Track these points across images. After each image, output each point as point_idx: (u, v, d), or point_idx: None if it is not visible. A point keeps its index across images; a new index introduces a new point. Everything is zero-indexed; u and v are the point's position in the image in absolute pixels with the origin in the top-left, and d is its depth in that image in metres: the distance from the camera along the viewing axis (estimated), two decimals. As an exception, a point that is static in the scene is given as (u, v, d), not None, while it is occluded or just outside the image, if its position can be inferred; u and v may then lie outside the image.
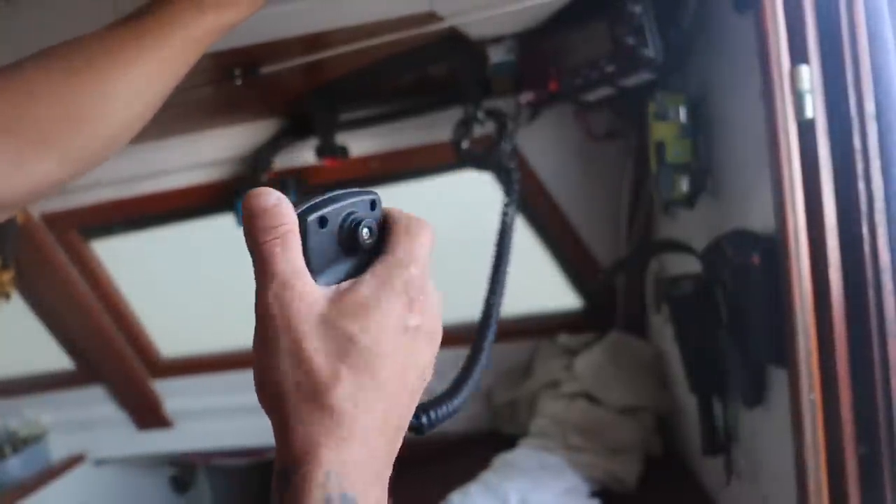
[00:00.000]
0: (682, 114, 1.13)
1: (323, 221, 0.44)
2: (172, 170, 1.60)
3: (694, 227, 1.23)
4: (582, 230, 1.62)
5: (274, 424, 0.40)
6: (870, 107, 0.78)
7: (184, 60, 0.64)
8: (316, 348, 0.40)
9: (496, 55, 1.27)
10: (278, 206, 0.42)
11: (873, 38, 0.77)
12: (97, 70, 0.57)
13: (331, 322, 0.41)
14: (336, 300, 0.41)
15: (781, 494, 0.92)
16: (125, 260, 1.86)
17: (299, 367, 0.40)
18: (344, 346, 0.40)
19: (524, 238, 1.66)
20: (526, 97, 1.31)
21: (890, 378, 0.76)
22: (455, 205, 1.76)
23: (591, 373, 1.55)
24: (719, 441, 1.12)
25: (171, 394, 1.98)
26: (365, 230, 0.44)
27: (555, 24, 1.18)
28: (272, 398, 0.41)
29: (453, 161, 1.36)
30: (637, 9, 1.04)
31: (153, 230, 1.79)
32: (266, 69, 1.13)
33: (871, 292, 0.77)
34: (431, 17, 1.04)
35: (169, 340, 1.96)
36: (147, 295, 1.92)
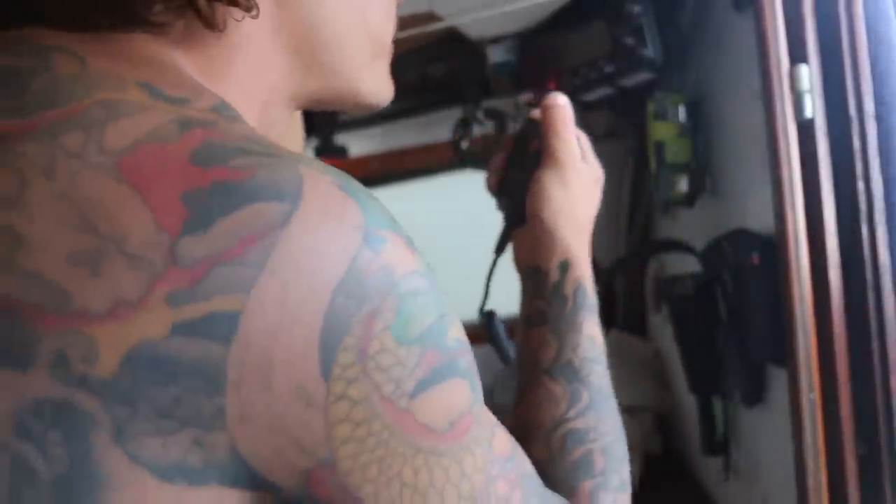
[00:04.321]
0: (682, 114, 1.13)
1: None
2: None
3: (693, 227, 1.23)
4: (581, 230, 1.62)
5: (570, 240, 0.64)
6: (870, 107, 0.78)
7: None
8: (582, 196, 0.68)
9: (496, 55, 1.27)
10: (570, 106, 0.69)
11: (873, 37, 0.77)
12: None
13: (588, 184, 0.69)
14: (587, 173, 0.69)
15: (781, 494, 0.92)
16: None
17: (578, 205, 0.67)
18: (589, 197, 0.69)
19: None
20: (526, 97, 1.31)
21: (890, 378, 0.76)
22: (455, 205, 1.76)
23: (590, 372, 1.54)
24: (719, 440, 1.12)
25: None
26: None
27: (554, 24, 1.18)
28: (585, 226, 0.67)
29: (453, 161, 1.36)
30: (636, 9, 1.04)
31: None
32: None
33: (870, 292, 0.77)
34: (431, 17, 1.04)
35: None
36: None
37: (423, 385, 0.36)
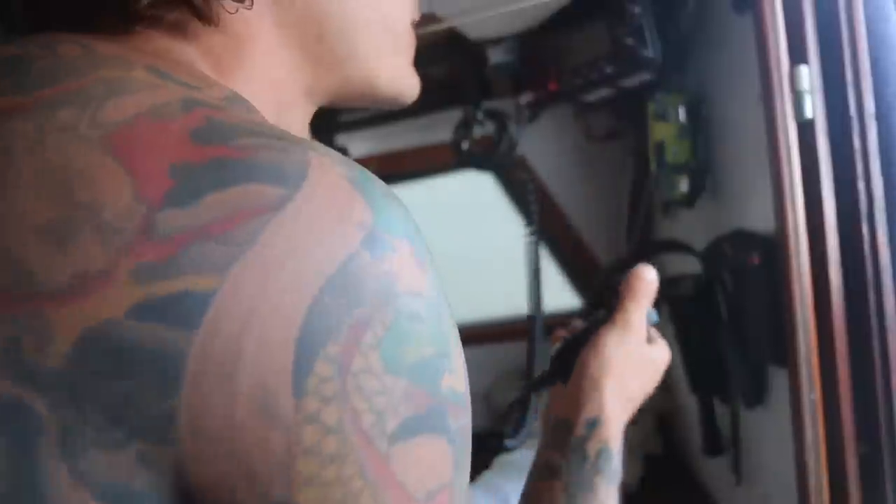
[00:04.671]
0: (682, 114, 1.13)
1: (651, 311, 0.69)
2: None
3: (694, 228, 1.23)
4: (582, 230, 1.62)
5: (618, 407, 0.62)
6: (870, 107, 0.78)
7: None
8: (635, 367, 0.65)
9: (496, 56, 1.27)
10: (655, 284, 0.67)
11: (873, 37, 0.77)
12: None
13: (644, 360, 0.66)
14: (649, 351, 0.67)
15: (782, 494, 0.92)
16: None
17: (628, 371, 0.63)
18: (641, 374, 0.65)
19: (523, 238, 1.65)
20: (526, 98, 1.31)
21: (890, 377, 0.76)
22: (455, 206, 1.76)
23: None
24: (720, 441, 1.12)
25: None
26: None
27: (554, 24, 1.18)
28: (631, 398, 0.64)
29: (453, 162, 1.36)
30: (636, 9, 1.04)
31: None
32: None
33: (871, 292, 0.77)
34: (431, 18, 1.04)
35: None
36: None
37: (407, 430, 0.31)
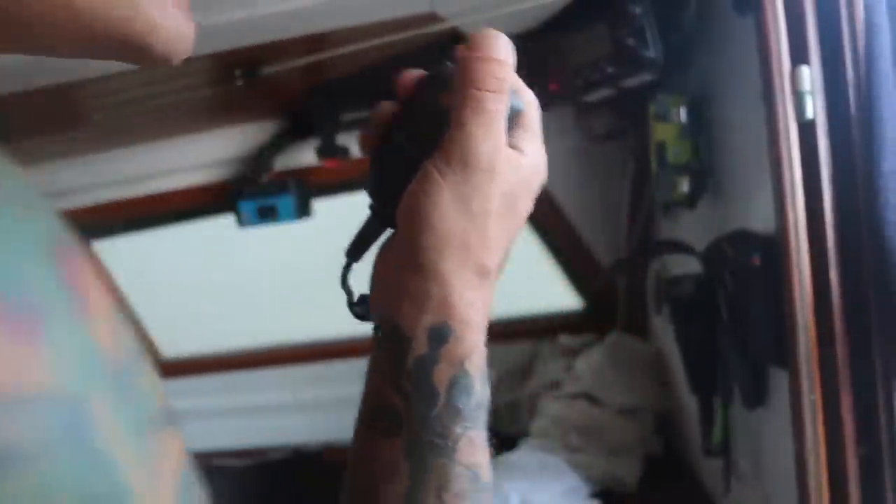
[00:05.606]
0: (683, 114, 1.13)
1: (511, 96, 0.44)
2: (172, 170, 1.60)
3: (694, 228, 1.23)
4: (582, 230, 1.62)
5: (440, 277, 0.40)
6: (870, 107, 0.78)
7: None
8: (496, 218, 0.41)
9: (496, 56, 1.27)
10: (511, 59, 0.42)
11: (873, 36, 0.77)
12: None
13: (511, 195, 0.41)
14: (517, 175, 0.42)
15: (782, 494, 0.92)
16: (125, 260, 1.86)
17: (485, 233, 0.41)
18: (510, 218, 0.42)
19: (524, 238, 1.66)
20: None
21: (890, 378, 0.76)
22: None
23: (591, 373, 1.55)
24: (720, 442, 1.12)
25: (173, 395, 1.97)
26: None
27: (555, 25, 1.18)
28: (493, 265, 0.41)
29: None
30: (637, 10, 1.04)
31: (153, 230, 1.79)
32: (266, 69, 1.13)
33: (871, 292, 0.77)
34: (432, 17, 1.04)
35: (170, 341, 1.96)
36: (148, 296, 1.92)
37: None
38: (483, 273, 0.40)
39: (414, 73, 0.45)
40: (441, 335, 0.39)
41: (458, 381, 0.39)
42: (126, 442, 0.21)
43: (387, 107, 0.45)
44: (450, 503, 0.38)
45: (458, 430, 0.38)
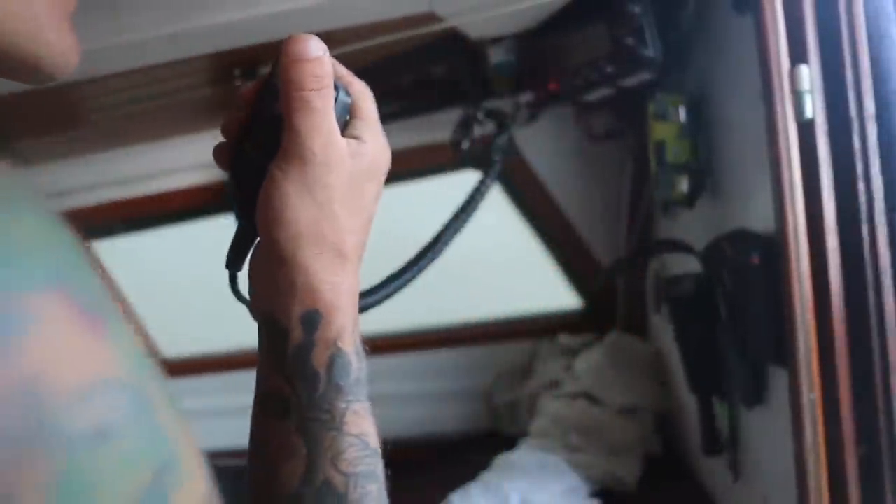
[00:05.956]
0: (682, 114, 1.13)
1: (338, 90, 0.46)
2: (172, 170, 1.60)
3: (694, 227, 1.23)
4: (582, 230, 1.62)
5: (298, 269, 0.43)
6: (870, 107, 0.78)
7: None
8: (343, 204, 0.44)
9: (496, 55, 1.27)
10: (325, 56, 0.44)
11: (874, 36, 0.77)
12: None
13: (354, 181, 0.45)
14: (356, 162, 0.45)
15: (782, 494, 0.92)
16: (126, 260, 1.86)
17: (335, 220, 0.44)
18: (358, 203, 0.45)
19: (524, 238, 1.66)
20: (526, 98, 1.31)
21: (890, 378, 0.76)
22: (454, 206, 1.76)
23: (591, 373, 1.55)
24: (719, 441, 1.12)
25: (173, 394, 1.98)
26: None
27: (555, 24, 1.18)
28: (351, 248, 0.45)
29: (453, 162, 1.36)
30: (636, 9, 1.04)
31: (153, 230, 1.79)
32: (266, 69, 1.13)
33: (871, 292, 0.77)
34: (431, 17, 1.04)
35: (169, 341, 1.96)
36: (148, 296, 1.92)
37: None
38: (341, 256, 0.44)
39: (252, 86, 0.48)
40: (312, 321, 0.43)
41: (335, 361, 0.43)
42: (171, 420, 0.27)
43: (234, 120, 0.48)
44: (345, 470, 0.42)
45: (342, 405, 0.43)
